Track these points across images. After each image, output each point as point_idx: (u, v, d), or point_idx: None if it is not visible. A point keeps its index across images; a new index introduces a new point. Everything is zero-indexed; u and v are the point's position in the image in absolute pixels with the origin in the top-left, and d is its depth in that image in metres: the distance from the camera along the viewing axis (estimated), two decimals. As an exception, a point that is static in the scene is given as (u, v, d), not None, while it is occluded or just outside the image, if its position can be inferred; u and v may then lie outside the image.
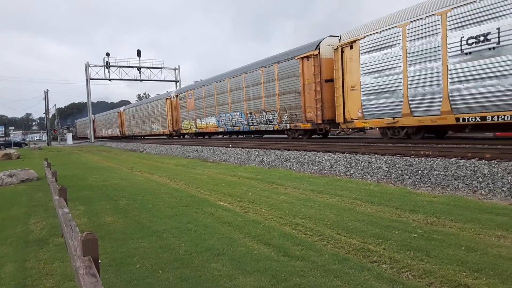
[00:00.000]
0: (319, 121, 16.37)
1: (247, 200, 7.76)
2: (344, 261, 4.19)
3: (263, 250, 4.69)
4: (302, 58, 17.10)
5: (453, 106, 11.15)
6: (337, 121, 15.62)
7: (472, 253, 4.12)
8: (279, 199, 7.69)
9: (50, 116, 66.60)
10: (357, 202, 7.03)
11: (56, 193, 5.61)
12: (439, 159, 9.34)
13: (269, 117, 20.33)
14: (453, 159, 9.17)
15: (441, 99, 11.42)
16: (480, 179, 7.91)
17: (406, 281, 3.61)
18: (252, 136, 27.77)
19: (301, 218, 6.05)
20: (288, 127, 18.75)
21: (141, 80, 54.58)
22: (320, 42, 16.47)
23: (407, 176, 9.25)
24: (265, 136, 26.74)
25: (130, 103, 76.79)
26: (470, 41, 10.58)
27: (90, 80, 52.58)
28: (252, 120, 22.28)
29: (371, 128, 15.49)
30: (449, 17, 11.06)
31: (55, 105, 69.89)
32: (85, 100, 57.51)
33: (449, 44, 11.12)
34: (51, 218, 7.00)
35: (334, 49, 15.38)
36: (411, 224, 5.37)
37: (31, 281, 4.13)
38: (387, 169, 9.95)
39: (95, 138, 57.87)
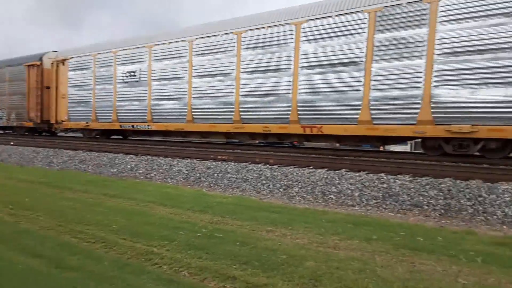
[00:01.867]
0: (39, 121, 19.22)
1: (23, 207, 6.57)
2: (124, 266, 3.97)
3: (31, 263, 4.03)
4: (29, 66, 19.64)
5: (119, 117, 15.39)
6: (51, 122, 18.67)
7: (244, 247, 4.55)
8: (63, 205, 6.80)
9: None
10: (151, 205, 6.89)
11: None
12: (233, 163, 10.21)
13: (0, 114, 21.97)
14: (244, 163, 10.19)
15: (112, 111, 15.56)
16: (264, 181, 9.02)
17: (183, 279, 3.68)
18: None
19: (85, 225, 5.48)
20: (15, 124, 20.99)
21: None
22: (44, 55, 19.29)
23: (204, 179, 9.74)
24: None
25: None
26: (128, 74, 14.99)
27: None
28: None
29: (73, 129, 18.76)
30: (118, 56, 15.33)
31: None
32: None
33: (117, 74, 15.36)
34: None
35: (51, 63, 18.44)
36: (198, 224, 5.58)
37: None
38: (187, 172, 10.24)
39: None
